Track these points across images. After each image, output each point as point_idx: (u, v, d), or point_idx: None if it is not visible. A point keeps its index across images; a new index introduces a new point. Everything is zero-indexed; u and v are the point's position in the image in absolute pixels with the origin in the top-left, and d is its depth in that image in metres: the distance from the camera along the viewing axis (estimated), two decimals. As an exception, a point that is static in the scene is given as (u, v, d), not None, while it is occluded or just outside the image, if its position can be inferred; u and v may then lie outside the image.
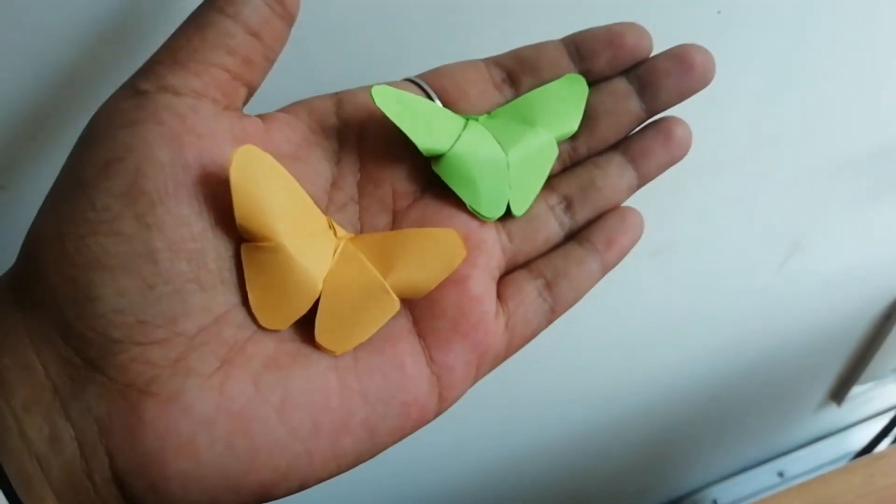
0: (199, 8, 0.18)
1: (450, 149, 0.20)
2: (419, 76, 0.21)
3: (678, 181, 0.31)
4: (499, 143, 0.21)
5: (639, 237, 0.21)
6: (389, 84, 0.20)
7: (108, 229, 0.16)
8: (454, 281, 0.19)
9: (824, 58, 0.35)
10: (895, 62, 0.37)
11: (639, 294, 0.44)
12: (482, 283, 0.20)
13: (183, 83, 0.17)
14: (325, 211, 0.20)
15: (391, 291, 0.19)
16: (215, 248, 0.17)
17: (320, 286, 0.18)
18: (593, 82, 0.21)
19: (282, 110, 0.20)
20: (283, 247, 0.17)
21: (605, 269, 0.21)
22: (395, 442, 0.19)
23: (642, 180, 0.21)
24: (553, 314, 0.21)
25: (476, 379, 0.20)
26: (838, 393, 0.71)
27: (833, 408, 0.74)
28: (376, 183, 0.20)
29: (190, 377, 0.16)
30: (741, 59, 0.32)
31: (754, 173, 0.40)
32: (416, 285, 0.19)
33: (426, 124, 0.19)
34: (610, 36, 0.20)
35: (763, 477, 0.75)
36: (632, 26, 0.21)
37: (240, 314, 0.17)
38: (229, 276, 0.17)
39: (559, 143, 0.21)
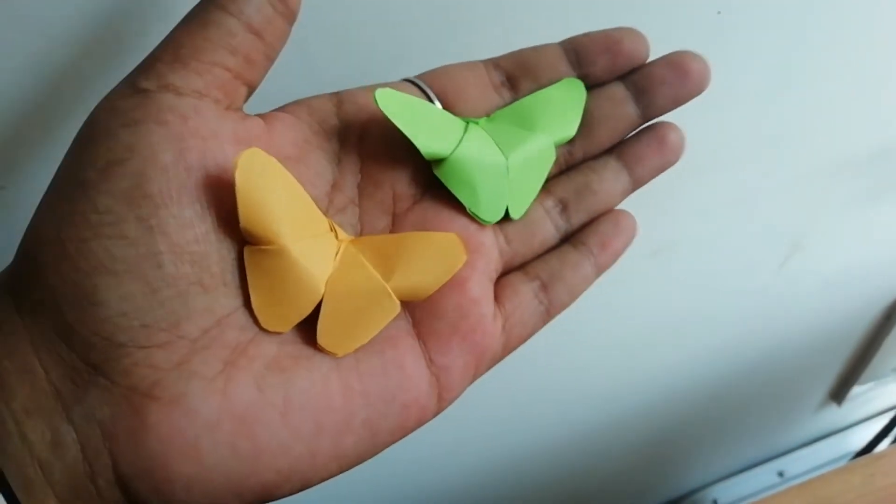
0: (201, 5, 0.17)
1: (452, 153, 0.20)
2: (419, 77, 0.21)
3: (678, 181, 0.31)
4: (498, 147, 0.21)
5: (632, 240, 0.22)
6: (389, 85, 0.20)
7: (112, 232, 0.16)
8: (453, 283, 0.19)
9: (824, 58, 0.35)
10: (895, 62, 0.38)
11: (639, 294, 0.44)
12: (480, 286, 0.20)
13: (185, 82, 0.17)
14: (326, 213, 0.20)
15: (392, 294, 0.19)
16: (218, 251, 0.17)
17: (322, 289, 0.18)
18: (591, 87, 0.21)
19: (281, 110, 0.20)
20: (286, 250, 0.17)
21: (600, 271, 0.21)
22: (395, 441, 0.19)
23: (636, 184, 0.22)
24: (548, 315, 0.21)
25: (474, 379, 0.20)
26: (838, 393, 0.71)
27: (833, 408, 0.74)
28: (377, 185, 0.20)
29: (193, 380, 0.16)
30: (741, 59, 0.32)
31: (754, 173, 0.40)
32: (417, 289, 0.19)
33: (429, 128, 0.19)
34: (608, 41, 0.21)
35: (763, 477, 0.75)
36: (629, 32, 0.21)
37: (242, 316, 0.17)
38: (231, 278, 0.17)
39: (556, 147, 0.22)
